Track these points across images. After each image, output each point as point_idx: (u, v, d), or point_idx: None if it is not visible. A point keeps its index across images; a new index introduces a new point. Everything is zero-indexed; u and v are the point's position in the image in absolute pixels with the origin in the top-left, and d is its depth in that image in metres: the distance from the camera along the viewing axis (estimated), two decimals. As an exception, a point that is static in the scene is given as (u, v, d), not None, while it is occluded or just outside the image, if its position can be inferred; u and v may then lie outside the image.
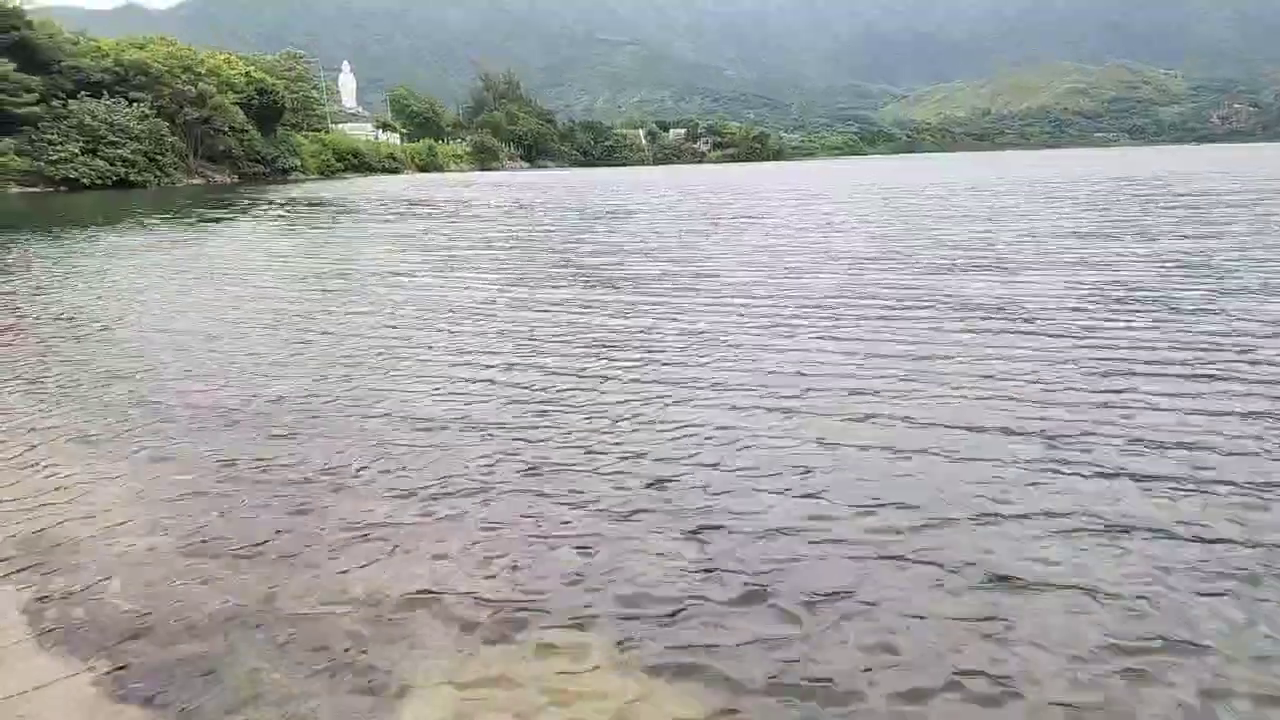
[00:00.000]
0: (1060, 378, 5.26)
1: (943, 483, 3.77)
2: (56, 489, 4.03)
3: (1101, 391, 4.95)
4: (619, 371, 5.78)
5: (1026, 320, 6.97)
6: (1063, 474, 3.82)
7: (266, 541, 3.41)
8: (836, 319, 7.27)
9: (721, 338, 6.70)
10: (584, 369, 5.87)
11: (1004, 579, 2.97)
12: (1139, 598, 2.82)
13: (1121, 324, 6.71)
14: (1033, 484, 3.72)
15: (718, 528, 3.44)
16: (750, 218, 18.86)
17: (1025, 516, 3.41)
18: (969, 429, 4.41)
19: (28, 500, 3.92)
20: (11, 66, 49.72)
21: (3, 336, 7.71)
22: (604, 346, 6.54)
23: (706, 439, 4.42)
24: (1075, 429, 4.36)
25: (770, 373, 5.62)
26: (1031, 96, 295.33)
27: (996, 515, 3.44)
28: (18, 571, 3.25)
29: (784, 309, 7.79)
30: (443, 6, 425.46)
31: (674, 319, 7.51)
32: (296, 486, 3.95)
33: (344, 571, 3.16)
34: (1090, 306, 7.46)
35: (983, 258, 10.78)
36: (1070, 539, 3.22)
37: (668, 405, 5.00)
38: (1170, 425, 4.38)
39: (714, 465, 4.07)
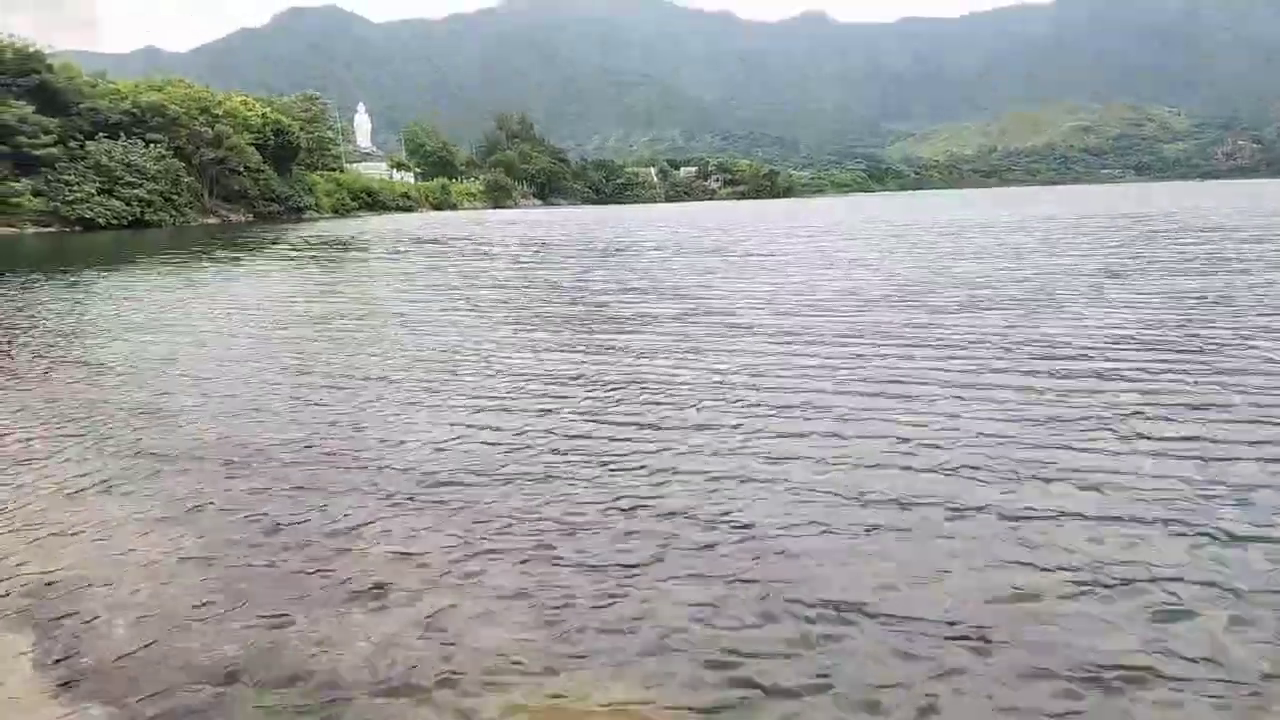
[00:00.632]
0: (1109, 429, 4.85)
1: (988, 544, 3.38)
2: (67, 533, 4.01)
3: (1166, 456, 4.54)
4: (637, 419, 5.49)
5: (1065, 364, 6.55)
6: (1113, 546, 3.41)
7: (274, 593, 3.34)
8: (860, 362, 6.89)
9: (743, 382, 6.34)
10: (601, 417, 5.60)
11: (1090, 667, 2.60)
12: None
13: (1164, 368, 6.30)
14: (1099, 560, 3.31)
15: (754, 583, 3.25)
16: (764, 255, 18.59)
17: (1097, 590, 3.03)
18: (1013, 496, 4.01)
19: (38, 543, 3.90)
20: (30, 109, 50.67)
21: (22, 378, 7.69)
22: (620, 394, 6.21)
23: (733, 490, 4.17)
24: (1132, 493, 3.96)
25: (795, 420, 5.27)
26: (1037, 134, 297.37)
27: (1065, 591, 3.03)
28: (24, 614, 3.24)
29: (805, 351, 7.42)
30: (458, 49, 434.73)
31: (692, 363, 7.16)
32: (306, 537, 3.86)
33: (352, 626, 3.06)
34: (1126, 348, 7.05)
35: (1005, 296, 10.41)
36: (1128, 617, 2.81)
37: (688, 454, 4.75)
38: (1235, 496, 3.96)
39: (743, 518, 3.84)
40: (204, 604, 3.26)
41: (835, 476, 4.31)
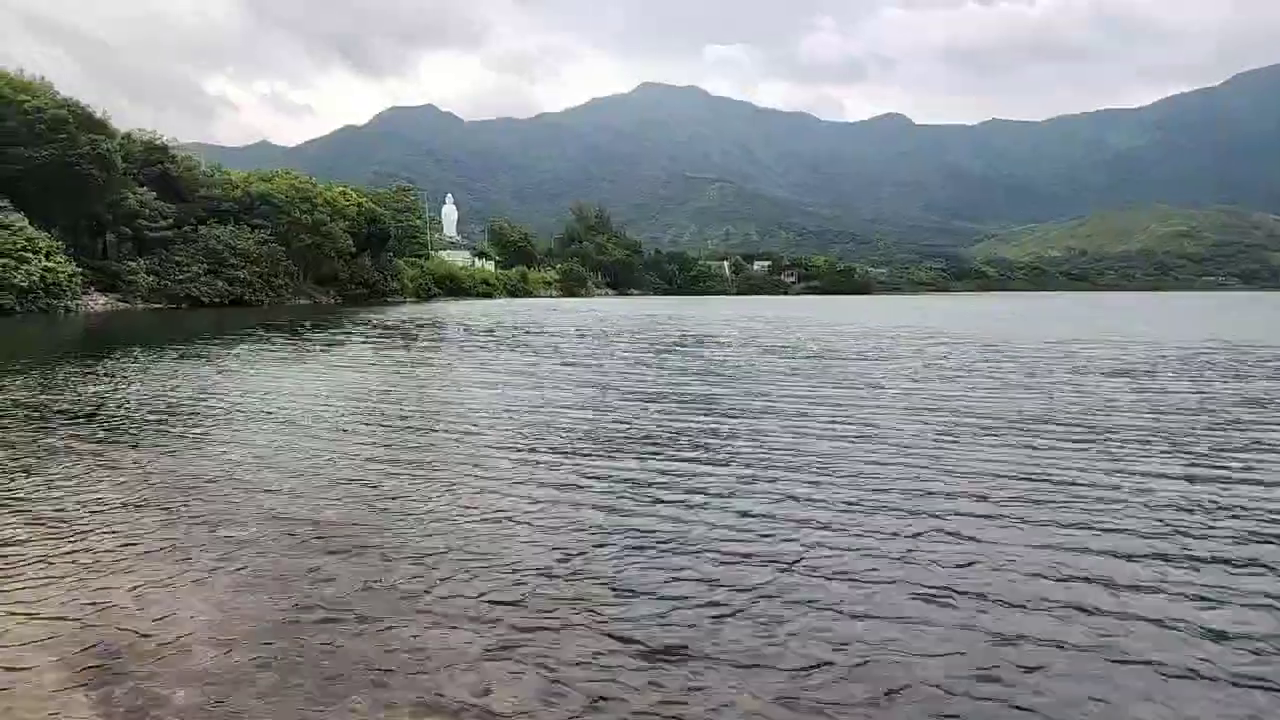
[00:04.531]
0: None
1: None
2: (136, 597, 4.12)
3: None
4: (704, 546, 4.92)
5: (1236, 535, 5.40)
6: None
7: (329, 671, 3.37)
8: (954, 523, 5.74)
9: (811, 523, 5.36)
10: (651, 520, 5.28)
11: None
12: None
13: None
14: None
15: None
16: (845, 359, 17.65)
17: None
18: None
19: (107, 606, 4.00)
20: (152, 195, 54.91)
21: (109, 447, 7.97)
22: (685, 531, 5.34)
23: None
24: None
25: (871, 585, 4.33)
26: (1128, 239, 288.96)
27: None
28: (91, 679, 3.28)
29: (892, 492, 6.39)
30: (541, 147, 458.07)
31: (762, 499, 6.19)
32: (364, 614, 3.91)
33: (412, 698, 3.13)
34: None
35: (1148, 435, 9.05)
36: None
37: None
38: None
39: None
40: (262, 676, 3.30)
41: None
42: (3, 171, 46.10)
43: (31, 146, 47.19)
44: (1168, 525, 5.40)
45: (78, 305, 45.82)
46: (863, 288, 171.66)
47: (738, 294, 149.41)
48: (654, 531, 5.29)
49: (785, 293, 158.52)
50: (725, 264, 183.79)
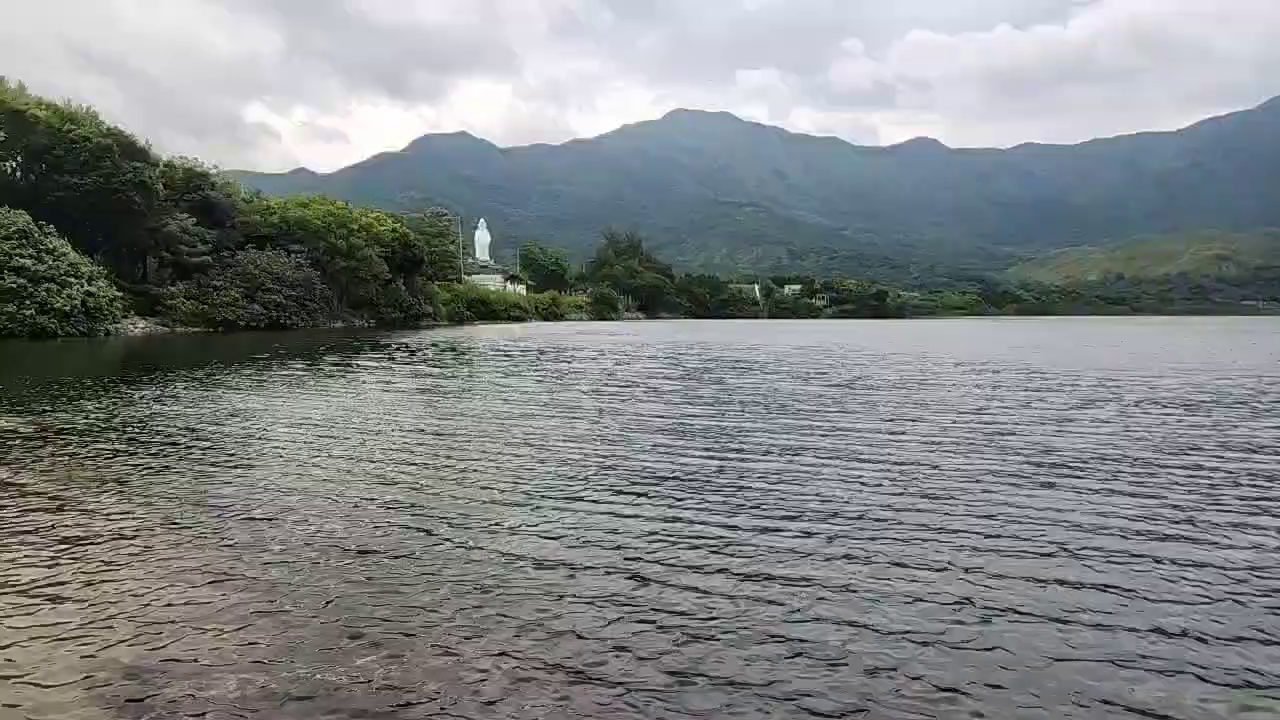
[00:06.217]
0: None
1: None
2: (166, 620, 4.11)
3: None
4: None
5: None
6: None
7: (366, 695, 3.38)
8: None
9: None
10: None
11: None
12: None
13: None
14: None
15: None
16: (883, 387, 16.63)
17: None
18: None
19: (137, 628, 4.01)
20: (192, 221, 55.70)
21: (146, 470, 8.00)
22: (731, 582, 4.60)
23: None
24: None
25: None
26: (1168, 262, 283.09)
27: None
28: (120, 703, 3.30)
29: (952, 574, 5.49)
30: (573, 172, 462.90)
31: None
32: (393, 644, 3.86)
33: None
34: None
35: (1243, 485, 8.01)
36: None
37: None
38: None
39: None
40: (292, 704, 3.29)
41: None
42: (49, 198, 46.98)
43: (76, 174, 48.10)
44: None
45: (117, 329, 46.30)
46: (896, 311, 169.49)
47: (769, 317, 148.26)
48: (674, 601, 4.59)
49: (817, 316, 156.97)
50: (756, 287, 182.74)
